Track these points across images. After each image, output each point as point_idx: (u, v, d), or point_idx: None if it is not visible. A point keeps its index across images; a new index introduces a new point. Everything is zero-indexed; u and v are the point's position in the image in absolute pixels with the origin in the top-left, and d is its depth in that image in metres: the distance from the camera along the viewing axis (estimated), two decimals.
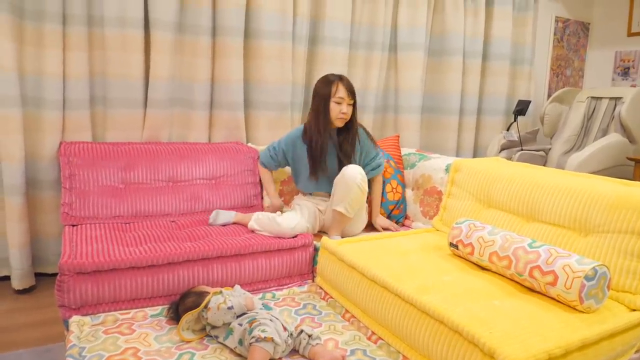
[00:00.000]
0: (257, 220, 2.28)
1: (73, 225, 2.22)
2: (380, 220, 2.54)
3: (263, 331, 1.45)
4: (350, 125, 2.41)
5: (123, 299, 1.84)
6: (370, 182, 2.49)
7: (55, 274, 2.50)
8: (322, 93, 2.36)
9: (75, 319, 1.67)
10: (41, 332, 2.06)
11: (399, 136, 2.97)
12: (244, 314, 1.59)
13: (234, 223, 2.39)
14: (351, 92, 2.35)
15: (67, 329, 1.68)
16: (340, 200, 2.25)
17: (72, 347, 1.50)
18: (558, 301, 1.56)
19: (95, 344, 1.54)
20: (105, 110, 2.65)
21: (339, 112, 2.33)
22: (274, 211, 2.46)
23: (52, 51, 2.44)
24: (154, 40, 2.65)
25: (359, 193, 2.24)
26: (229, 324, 1.57)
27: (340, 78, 2.36)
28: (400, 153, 2.85)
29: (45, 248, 2.59)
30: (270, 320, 1.53)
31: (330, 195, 2.38)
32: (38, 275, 2.57)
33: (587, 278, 1.46)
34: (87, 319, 1.69)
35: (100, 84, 2.63)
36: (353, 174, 2.23)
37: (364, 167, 2.42)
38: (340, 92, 2.33)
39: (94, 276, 1.77)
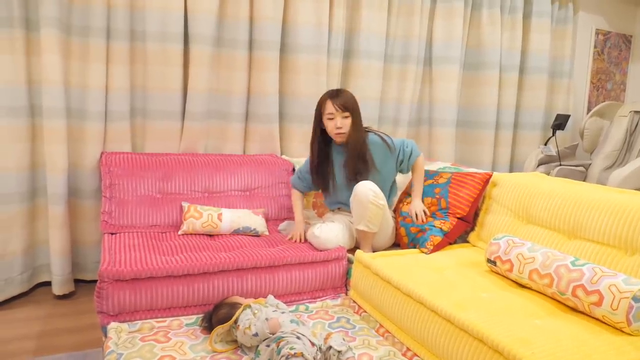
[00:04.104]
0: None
1: (112, 234, 2.27)
2: (414, 205, 2.37)
3: (292, 348, 1.44)
4: (353, 140, 2.29)
5: (159, 307, 1.87)
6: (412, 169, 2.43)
7: (93, 281, 2.57)
8: (315, 113, 2.35)
9: (113, 326, 1.70)
10: (79, 337, 2.11)
11: (491, 175, 2.41)
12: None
13: None
14: (342, 107, 2.25)
15: (105, 335, 1.71)
16: (359, 220, 2.20)
17: (110, 353, 1.53)
18: (603, 322, 1.49)
19: (132, 351, 1.57)
20: (144, 122, 2.73)
21: (333, 127, 2.28)
22: (288, 234, 2.40)
23: (96, 65, 2.53)
24: (192, 54, 2.71)
25: (374, 209, 2.16)
26: (257, 345, 1.57)
27: (333, 94, 2.28)
28: (476, 195, 2.33)
29: (85, 255, 2.66)
30: (298, 337, 1.52)
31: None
32: (77, 281, 2.64)
33: (635, 299, 1.40)
34: (125, 325, 1.72)
35: (140, 96, 2.71)
36: (364, 192, 2.15)
37: (400, 165, 2.38)
38: (328, 107, 2.27)
39: (132, 284, 1.81)
